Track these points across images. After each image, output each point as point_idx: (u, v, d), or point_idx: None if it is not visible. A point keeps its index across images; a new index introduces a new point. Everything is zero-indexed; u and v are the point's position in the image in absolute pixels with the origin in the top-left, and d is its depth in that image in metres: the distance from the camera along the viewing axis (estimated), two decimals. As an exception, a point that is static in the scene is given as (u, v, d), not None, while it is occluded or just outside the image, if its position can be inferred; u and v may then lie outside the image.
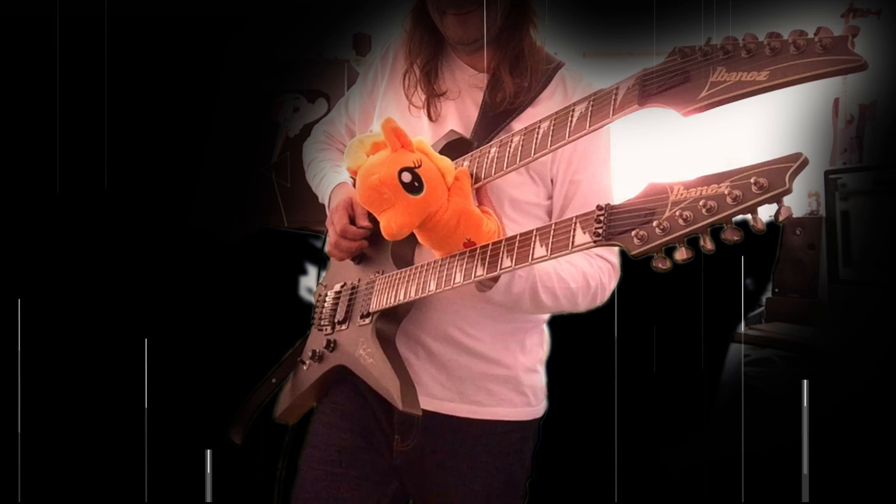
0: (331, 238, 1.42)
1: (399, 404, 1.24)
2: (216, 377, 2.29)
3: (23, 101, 2.56)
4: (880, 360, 2.06)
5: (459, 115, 1.40)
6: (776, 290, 2.61)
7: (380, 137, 1.21)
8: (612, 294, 1.39)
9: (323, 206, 1.58)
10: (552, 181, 1.38)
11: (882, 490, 1.97)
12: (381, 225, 1.21)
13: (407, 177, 1.17)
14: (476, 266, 1.15)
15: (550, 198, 1.39)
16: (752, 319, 2.58)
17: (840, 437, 2.01)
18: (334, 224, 1.41)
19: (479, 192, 1.26)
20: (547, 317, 1.47)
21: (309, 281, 2.40)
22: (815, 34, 0.84)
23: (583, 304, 1.35)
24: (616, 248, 1.35)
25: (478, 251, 1.17)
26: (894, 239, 2.25)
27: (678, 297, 2.20)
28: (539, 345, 1.47)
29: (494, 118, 1.37)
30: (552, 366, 1.50)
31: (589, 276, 1.32)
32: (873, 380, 2.04)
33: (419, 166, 1.18)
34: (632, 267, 1.46)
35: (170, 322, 2.47)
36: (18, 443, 2.36)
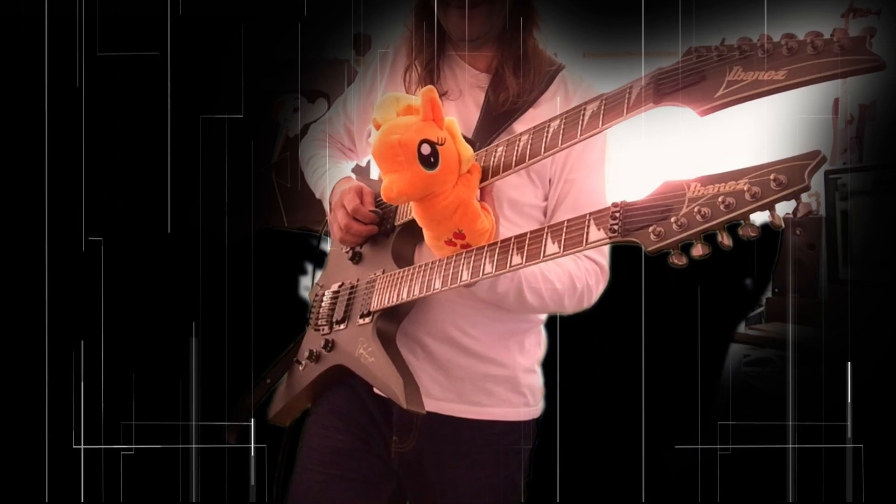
0: (341, 221, 1.40)
1: (403, 403, 1.23)
2: (216, 377, 2.29)
3: (20, 101, 2.56)
4: (880, 360, 2.06)
5: (460, 115, 1.39)
6: (776, 290, 2.60)
7: (416, 101, 1.19)
8: (608, 294, 1.38)
9: (323, 205, 1.57)
10: (550, 181, 1.38)
11: (882, 490, 1.96)
12: (384, 185, 1.18)
13: (426, 149, 1.15)
14: (484, 263, 1.15)
15: (547, 199, 1.39)
16: (752, 319, 2.58)
17: (840, 437, 2.01)
18: (346, 205, 1.39)
19: (483, 191, 1.26)
20: (544, 317, 1.47)
21: (309, 281, 2.41)
22: (831, 35, 0.85)
23: (569, 306, 1.35)
24: (606, 251, 1.35)
25: (485, 249, 1.16)
26: (894, 239, 2.25)
27: (678, 296, 2.20)
28: (537, 345, 1.47)
29: (496, 118, 1.36)
30: (551, 365, 1.50)
31: (575, 277, 1.32)
32: (873, 380, 2.04)
33: (442, 144, 1.16)
34: (631, 266, 1.46)
35: (169, 322, 2.47)
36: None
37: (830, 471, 2.01)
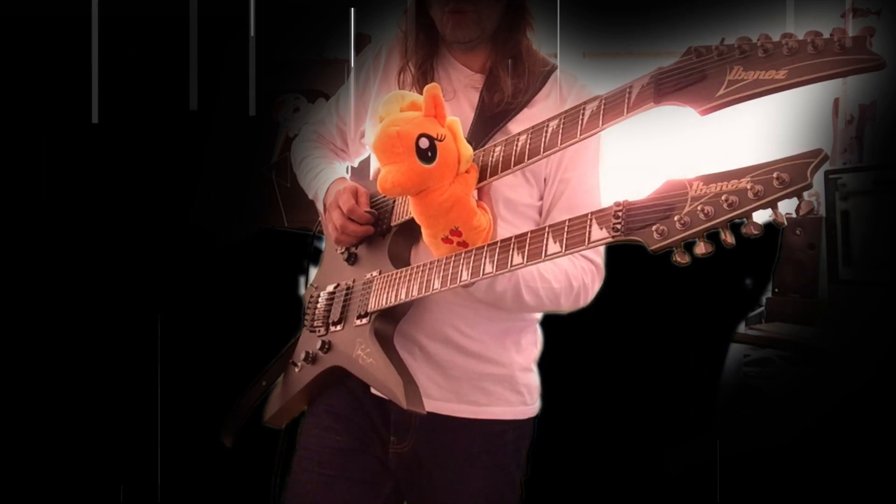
0: (336, 222, 1.40)
1: (404, 403, 1.24)
2: (216, 377, 2.30)
3: (16, 101, 2.56)
4: (880, 360, 2.06)
5: (454, 115, 1.39)
6: (776, 290, 2.60)
7: (420, 99, 1.20)
8: (607, 293, 1.38)
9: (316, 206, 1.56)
10: (545, 181, 1.38)
11: (882, 490, 1.96)
12: (380, 176, 1.20)
13: (424, 143, 1.16)
14: (485, 263, 1.15)
15: (542, 198, 1.39)
16: (752, 319, 2.57)
17: (840, 437, 2.00)
18: (341, 205, 1.39)
19: (480, 190, 1.26)
20: (540, 315, 1.47)
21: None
22: (831, 34, 0.85)
23: (566, 305, 1.35)
24: (602, 250, 1.36)
25: (485, 248, 1.16)
26: (894, 239, 2.25)
27: (678, 296, 2.19)
28: (534, 344, 1.47)
29: (491, 119, 1.37)
30: (549, 364, 1.50)
31: (572, 276, 1.32)
32: (873, 380, 2.03)
33: (441, 140, 1.17)
34: (632, 266, 1.45)
35: (170, 322, 2.47)
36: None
37: (830, 470, 2.01)
